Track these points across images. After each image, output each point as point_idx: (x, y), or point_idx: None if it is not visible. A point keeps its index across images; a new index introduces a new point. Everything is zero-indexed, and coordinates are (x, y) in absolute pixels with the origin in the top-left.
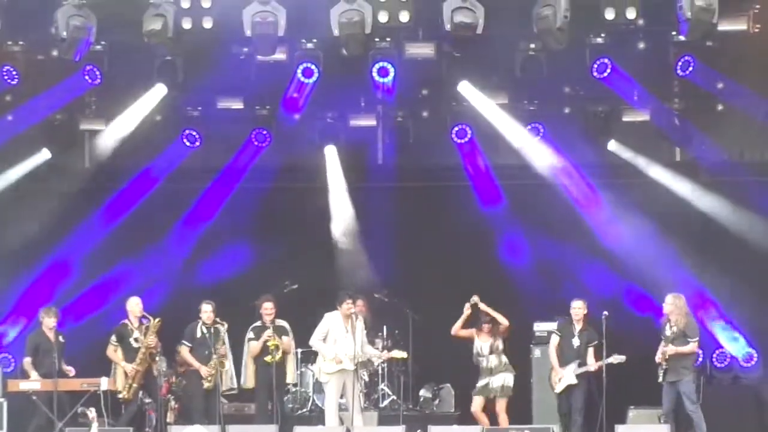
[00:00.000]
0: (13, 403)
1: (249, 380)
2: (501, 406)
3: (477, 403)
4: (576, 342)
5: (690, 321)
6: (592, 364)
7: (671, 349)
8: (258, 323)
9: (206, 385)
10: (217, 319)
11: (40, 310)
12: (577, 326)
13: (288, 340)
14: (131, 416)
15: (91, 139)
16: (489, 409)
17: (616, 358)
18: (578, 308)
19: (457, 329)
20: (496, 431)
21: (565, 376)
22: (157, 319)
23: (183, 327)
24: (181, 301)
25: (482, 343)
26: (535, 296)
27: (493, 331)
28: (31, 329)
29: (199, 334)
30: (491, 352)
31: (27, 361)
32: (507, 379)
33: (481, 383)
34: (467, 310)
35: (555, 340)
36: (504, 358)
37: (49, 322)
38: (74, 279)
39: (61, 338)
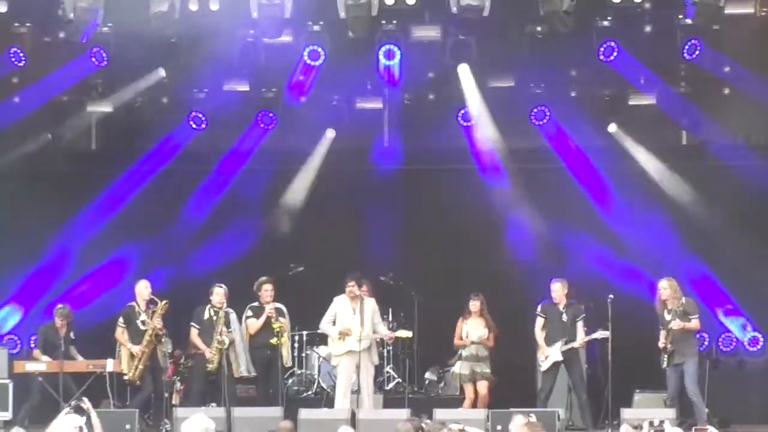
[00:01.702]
0: (20, 385)
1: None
2: (485, 386)
3: (472, 389)
4: (564, 318)
5: (687, 299)
6: (578, 341)
7: (678, 323)
8: (256, 303)
9: (209, 367)
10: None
11: (55, 309)
12: (561, 305)
13: (285, 322)
14: (143, 400)
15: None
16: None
17: (601, 334)
18: (556, 291)
19: (457, 341)
20: (502, 414)
21: (552, 355)
22: (164, 302)
23: (188, 309)
24: (186, 283)
25: (471, 329)
26: (540, 279)
27: (481, 315)
28: (43, 322)
29: (206, 317)
30: (481, 342)
31: (37, 352)
32: (485, 367)
33: (465, 371)
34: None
35: (540, 322)
36: (487, 351)
37: (58, 320)
38: (79, 261)
39: (72, 335)
